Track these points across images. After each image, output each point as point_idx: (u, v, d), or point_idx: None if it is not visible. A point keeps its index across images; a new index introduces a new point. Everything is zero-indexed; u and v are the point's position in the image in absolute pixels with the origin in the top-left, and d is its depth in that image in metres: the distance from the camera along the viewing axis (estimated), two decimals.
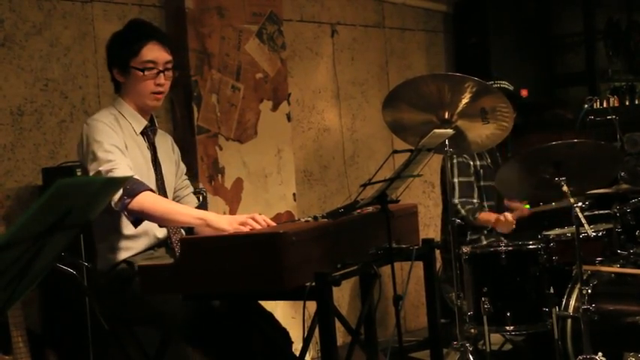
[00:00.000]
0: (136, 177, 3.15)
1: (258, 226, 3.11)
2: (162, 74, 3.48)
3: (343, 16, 6.15)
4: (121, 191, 3.10)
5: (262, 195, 5.31)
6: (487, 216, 4.84)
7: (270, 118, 5.39)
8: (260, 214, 3.28)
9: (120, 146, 3.31)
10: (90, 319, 4.16)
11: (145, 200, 3.20)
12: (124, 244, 3.42)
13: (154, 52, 3.46)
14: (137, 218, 3.27)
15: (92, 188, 2.25)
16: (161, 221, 3.34)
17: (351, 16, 6.20)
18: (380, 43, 6.39)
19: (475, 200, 4.92)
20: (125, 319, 3.46)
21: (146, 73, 3.44)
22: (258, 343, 3.22)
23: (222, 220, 3.16)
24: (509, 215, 4.75)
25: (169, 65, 3.51)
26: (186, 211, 3.32)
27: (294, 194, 5.50)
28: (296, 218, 5.13)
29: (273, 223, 3.25)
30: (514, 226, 4.80)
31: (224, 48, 5.16)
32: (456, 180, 4.86)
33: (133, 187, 3.17)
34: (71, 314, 4.21)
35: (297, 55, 5.78)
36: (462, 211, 4.81)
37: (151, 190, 3.26)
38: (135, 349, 3.57)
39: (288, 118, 5.51)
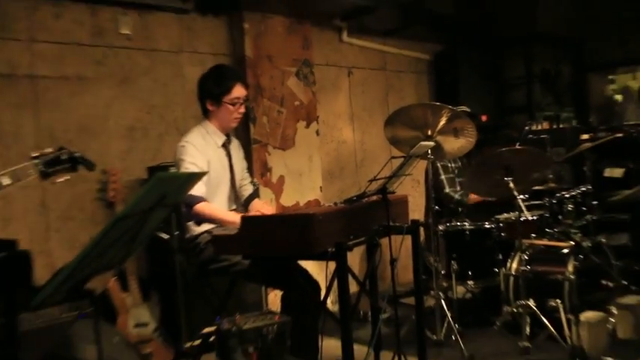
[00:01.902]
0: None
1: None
2: (242, 106, 3.56)
3: (357, 62, 6.16)
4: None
5: (298, 187, 5.33)
6: (474, 196, 4.88)
7: (304, 133, 5.42)
8: (267, 202, 3.39)
9: (197, 163, 3.39)
10: (179, 270, 4.20)
11: (199, 209, 3.32)
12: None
13: (240, 91, 3.53)
14: (199, 219, 3.40)
15: (179, 180, 2.33)
16: (211, 221, 3.41)
17: (362, 62, 6.21)
18: (382, 81, 6.41)
19: (459, 189, 4.97)
20: (203, 271, 3.53)
21: (235, 106, 3.52)
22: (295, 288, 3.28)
23: (237, 215, 3.24)
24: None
25: (246, 99, 3.59)
26: (224, 215, 3.40)
27: (320, 187, 5.52)
28: (322, 204, 5.19)
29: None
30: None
31: (272, 84, 5.19)
32: (443, 177, 4.89)
33: (190, 200, 3.28)
34: (167, 266, 4.25)
35: (323, 88, 5.79)
36: (456, 196, 4.86)
37: (204, 200, 3.35)
38: (209, 292, 3.65)
39: (317, 133, 5.54)
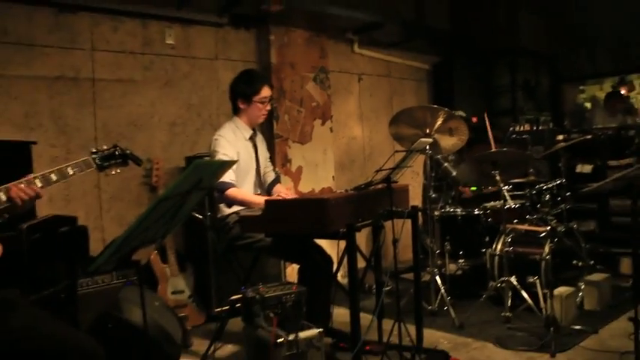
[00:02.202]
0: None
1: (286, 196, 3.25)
2: (268, 104, 3.55)
3: (366, 70, 6.11)
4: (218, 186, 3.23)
5: (313, 177, 5.30)
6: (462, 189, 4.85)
7: (320, 130, 5.38)
8: (285, 189, 3.38)
9: (228, 154, 3.38)
10: (210, 245, 4.22)
11: (230, 194, 3.31)
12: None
13: (267, 91, 3.53)
14: (229, 202, 3.38)
15: (213, 166, 2.32)
16: (241, 204, 3.40)
17: (370, 70, 6.16)
18: (388, 86, 6.36)
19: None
20: (231, 247, 3.52)
21: (263, 104, 3.51)
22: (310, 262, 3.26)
23: (263, 198, 3.21)
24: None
25: (271, 99, 3.58)
26: (252, 198, 3.38)
27: (333, 176, 5.48)
28: (334, 191, 5.16)
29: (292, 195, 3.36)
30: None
31: (293, 87, 5.16)
32: (446, 164, 4.80)
33: (222, 186, 3.29)
34: (200, 242, 4.27)
35: (337, 92, 5.75)
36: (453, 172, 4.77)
37: (234, 186, 3.34)
38: (236, 265, 3.64)
39: (331, 130, 5.50)
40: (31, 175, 1.97)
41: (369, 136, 6.14)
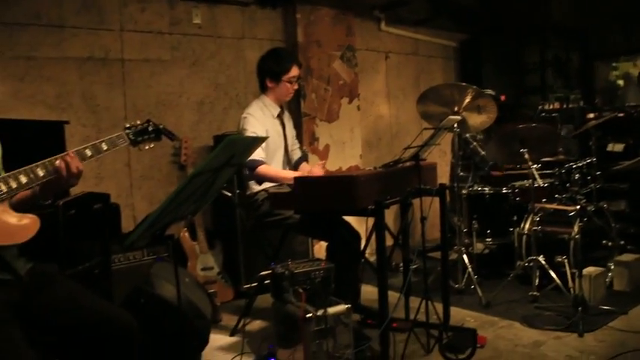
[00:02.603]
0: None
1: (317, 173, 3.28)
2: (296, 83, 3.56)
3: (393, 48, 6.07)
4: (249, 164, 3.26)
5: (341, 155, 5.30)
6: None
7: (347, 108, 5.36)
8: (319, 164, 3.40)
9: (257, 132, 3.41)
10: (239, 223, 4.26)
11: (261, 170, 3.34)
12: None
13: (296, 71, 3.54)
14: (260, 180, 3.40)
15: (245, 142, 2.34)
16: (271, 181, 3.43)
17: (397, 48, 6.12)
18: (415, 64, 6.31)
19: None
20: (259, 224, 3.56)
21: (291, 84, 3.53)
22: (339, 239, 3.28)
23: (294, 174, 3.27)
24: None
25: (299, 78, 3.59)
26: (283, 174, 3.42)
27: (360, 155, 5.48)
28: (362, 168, 5.18)
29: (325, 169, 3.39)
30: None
31: (320, 65, 5.15)
32: (475, 144, 4.75)
33: (252, 164, 3.33)
34: (229, 220, 4.31)
35: (364, 70, 5.72)
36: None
37: (264, 163, 3.37)
38: (265, 241, 3.69)
39: (358, 109, 5.48)
40: (66, 153, 2.00)
41: (395, 115, 6.12)
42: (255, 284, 3.94)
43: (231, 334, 3.59)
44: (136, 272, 3.42)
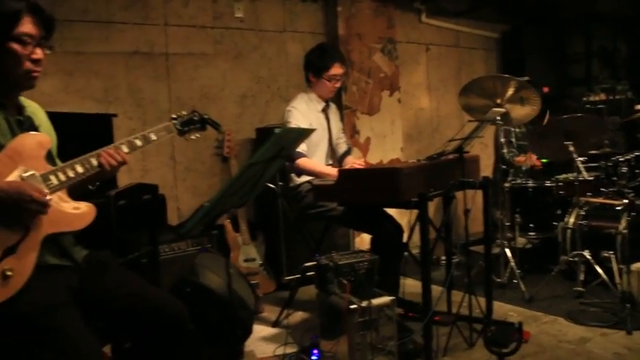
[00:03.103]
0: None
1: (359, 166, 3.27)
2: (338, 82, 3.58)
3: (433, 40, 6.02)
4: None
5: (381, 148, 5.30)
6: (519, 159, 4.76)
7: (388, 101, 5.35)
8: (359, 158, 3.39)
9: (301, 125, 3.42)
10: (282, 214, 4.30)
11: (301, 163, 3.38)
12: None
13: (337, 69, 3.56)
14: (299, 172, 3.44)
15: (295, 133, 2.37)
16: (310, 174, 3.46)
17: (438, 40, 6.06)
18: (456, 56, 6.24)
19: (514, 150, 4.83)
20: (302, 216, 3.59)
21: (331, 82, 3.54)
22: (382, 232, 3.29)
23: (334, 169, 3.29)
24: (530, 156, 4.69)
25: (343, 76, 3.60)
26: (321, 168, 3.44)
27: (401, 148, 5.46)
28: (403, 160, 5.17)
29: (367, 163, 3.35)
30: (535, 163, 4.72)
31: (361, 58, 5.15)
32: (502, 140, 4.76)
33: (292, 156, 3.33)
34: (272, 211, 4.35)
35: (404, 63, 5.69)
36: (507, 157, 4.74)
37: (305, 156, 3.39)
38: (307, 233, 3.72)
39: (399, 101, 5.46)
40: (118, 142, 2.06)
41: (436, 107, 6.08)
42: (297, 276, 3.98)
43: (274, 325, 3.64)
44: (181, 262, 3.49)
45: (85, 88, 4.08)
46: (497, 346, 2.98)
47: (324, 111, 3.66)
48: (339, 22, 5.03)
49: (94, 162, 1.95)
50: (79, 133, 2.29)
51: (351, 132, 5.09)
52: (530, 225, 4.50)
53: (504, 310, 3.73)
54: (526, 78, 4.41)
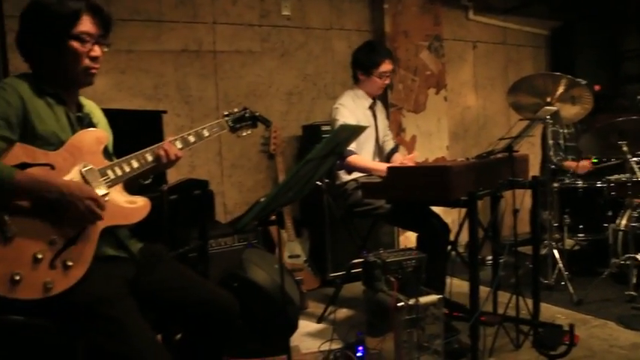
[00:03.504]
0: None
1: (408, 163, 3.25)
2: (387, 78, 3.58)
3: (481, 37, 5.95)
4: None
5: (427, 146, 5.27)
6: (569, 164, 4.67)
7: (434, 99, 5.32)
8: (408, 158, 3.38)
9: (348, 121, 3.44)
10: (327, 211, 4.30)
11: (352, 160, 3.39)
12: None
13: (387, 66, 3.57)
14: (350, 169, 3.44)
15: (348, 131, 2.38)
16: (361, 171, 3.46)
17: (485, 37, 5.99)
18: (503, 54, 6.15)
19: (561, 154, 4.75)
20: (349, 213, 3.60)
21: (381, 79, 3.55)
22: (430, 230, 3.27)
23: (384, 165, 3.25)
24: (584, 163, 4.60)
25: (392, 73, 3.60)
26: (372, 165, 3.44)
27: (447, 146, 5.42)
28: (450, 159, 5.11)
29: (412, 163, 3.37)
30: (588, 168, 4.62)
31: (407, 56, 5.13)
32: (550, 141, 4.69)
33: (344, 154, 3.34)
34: (317, 208, 4.36)
35: (451, 60, 5.65)
36: (554, 160, 4.66)
37: (355, 153, 3.39)
38: (353, 230, 3.72)
39: (445, 99, 5.41)
40: (171, 138, 2.11)
41: (483, 106, 6.00)
42: (341, 273, 4.00)
43: (318, 321, 3.66)
44: (228, 257, 3.55)
45: (135, 85, 4.18)
46: (545, 348, 2.94)
47: (372, 108, 3.67)
48: (386, 19, 5.02)
49: (150, 157, 2.01)
50: (131, 130, 2.35)
51: (397, 130, 5.08)
52: (580, 226, 4.41)
53: (551, 312, 3.67)
54: (584, 82, 4.34)
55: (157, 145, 2.06)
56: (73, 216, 1.76)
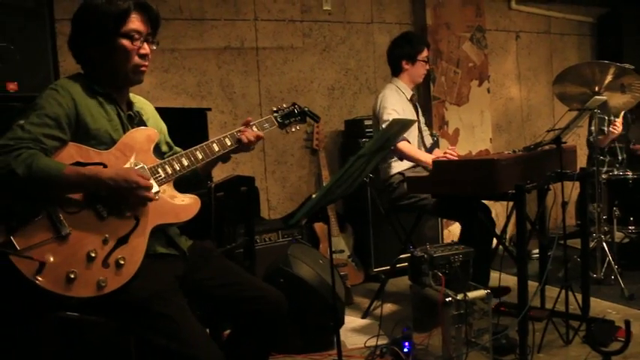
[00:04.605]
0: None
1: (452, 157, 3.16)
2: (427, 64, 3.58)
3: (524, 27, 5.82)
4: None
5: (470, 139, 5.19)
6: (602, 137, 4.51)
7: (476, 91, 5.23)
8: (450, 149, 3.32)
9: (397, 109, 3.43)
10: (371, 206, 4.26)
11: (402, 147, 3.33)
12: (395, 164, 3.53)
13: (427, 52, 3.58)
14: (400, 156, 3.40)
15: (399, 125, 2.35)
16: (410, 159, 3.42)
17: (528, 27, 5.85)
18: (547, 43, 6.00)
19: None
20: (393, 207, 3.57)
21: (425, 62, 3.56)
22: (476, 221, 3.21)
23: (431, 156, 3.26)
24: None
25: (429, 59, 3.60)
26: (419, 154, 3.38)
27: (490, 138, 5.32)
28: (494, 152, 5.03)
29: (458, 153, 3.31)
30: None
31: (449, 48, 5.05)
32: (592, 128, 4.51)
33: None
34: (360, 203, 4.31)
35: (494, 51, 5.54)
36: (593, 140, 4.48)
37: (407, 141, 3.35)
38: (398, 225, 3.69)
39: (488, 91, 5.32)
40: (221, 136, 2.10)
41: (526, 97, 5.87)
42: (386, 268, 3.97)
43: (363, 317, 3.64)
44: (273, 253, 3.56)
45: (179, 83, 4.22)
46: (598, 344, 2.86)
47: (412, 100, 3.65)
48: (427, 11, 4.95)
49: (199, 155, 2.01)
50: (176, 127, 2.36)
51: (440, 123, 5.01)
52: (631, 218, 4.26)
53: (602, 307, 3.57)
54: (632, 68, 4.19)
55: (210, 140, 2.07)
56: (125, 204, 1.78)
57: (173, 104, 4.08)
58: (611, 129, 4.41)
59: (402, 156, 3.41)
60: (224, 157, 2.11)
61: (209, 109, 3.77)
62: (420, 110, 3.71)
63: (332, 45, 4.75)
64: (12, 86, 2.76)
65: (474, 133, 5.22)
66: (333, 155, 4.64)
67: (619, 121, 4.44)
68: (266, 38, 4.49)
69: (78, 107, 1.82)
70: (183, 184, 2.04)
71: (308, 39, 4.65)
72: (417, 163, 3.39)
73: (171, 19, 4.15)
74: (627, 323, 2.63)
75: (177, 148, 2.19)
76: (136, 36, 1.91)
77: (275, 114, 2.26)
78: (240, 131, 2.10)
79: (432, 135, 3.92)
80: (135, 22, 1.91)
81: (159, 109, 2.25)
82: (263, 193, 4.47)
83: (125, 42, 1.89)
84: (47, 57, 2.90)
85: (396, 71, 3.66)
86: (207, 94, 4.32)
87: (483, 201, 3.34)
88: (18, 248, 1.64)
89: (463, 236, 3.26)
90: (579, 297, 3.14)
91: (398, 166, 3.49)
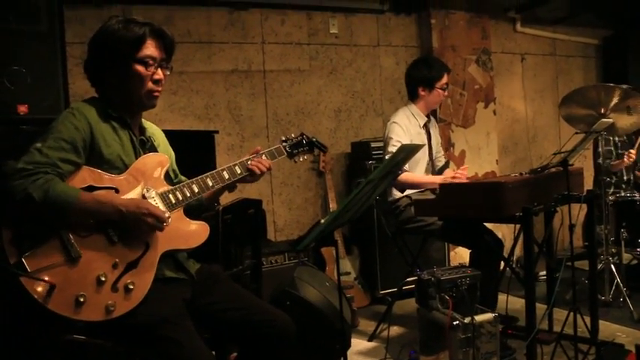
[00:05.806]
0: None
1: (462, 178, 3.17)
2: (446, 90, 3.58)
3: (529, 49, 5.86)
4: None
5: (477, 160, 5.20)
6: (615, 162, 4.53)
7: (482, 113, 5.25)
8: (462, 169, 3.33)
9: (402, 141, 3.41)
10: (377, 229, 4.26)
11: (403, 178, 3.34)
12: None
13: (447, 78, 3.56)
14: (402, 187, 3.43)
15: (407, 150, 2.37)
16: (413, 187, 3.43)
17: (534, 49, 5.89)
18: (552, 65, 6.04)
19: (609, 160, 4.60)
20: (400, 230, 3.57)
21: (443, 90, 3.55)
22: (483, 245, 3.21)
23: (439, 178, 3.26)
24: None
25: (448, 85, 3.61)
26: (424, 179, 3.41)
27: (496, 160, 5.33)
28: (500, 174, 5.04)
29: (467, 174, 3.31)
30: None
31: (455, 70, 5.06)
32: (600, 150, 4.53)
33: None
34: (367, 225, 4.32)
35: (500, 73, 5.57)
36: (603, 164, 4.50)
37: (405, 171, 3.36)
38: (404, 247, 3.69)
39: (494, 113, 5.34)
40: (232, 164, 2.13)
41: (532, 118, 5.89)
42: (392, 290, 3.96)
43: (370, 339, 3.63)
44: (279, 275, 3.56)
45: (187, 106, 4.26)
46: None
47: (426, 126, 3.64)
48: (433, 34, 5.01)
49: (210, 182, 2.03)
50: (184, 150, 2.39)
51: (446, 145, 5.03)
52: (638, 240, 4.25)
53: (611, 330, 3.54)
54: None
55: (233, 163, 2.11)
56: (137, 231, 1.81)
57: (181, 126, 4.12)
58: (625, 159, 4.43)
59: (404, 186, 3.41)
60: (230, 187, 2.13)
61: (216, 132, 3.80)
62: (432, 136, 3.70)
63: (338, 68, 4.80)
64: (22, 109, 2.79)
65: (480, 155, 5.23)
66: (339, 177, 4.66)
67: (634, 152, 4.46)
68: (273, 61, 4.54)
69: (93, 131, 1.86)
70: (191, 210, 2.06)
71: (315, 62, 4.70)
72: (424, 187, 3.39)
73: (180, 42, 4.17)
74: (638, 348, 2.61)
75: (182, 177, 2.21)
76: (150, 62, 1.94)
77: (284, 143, 2.28)
78: (249, 160, 2.12)
79: (443, 157, 3.91)
80: (150, 48, 1.94)
81: (167, 132, 2.27)
82: (269, 215, 4.49)
83: (139, 67, 1.93)
84: (57, 80, 2.92)
85: (413, 96, 3.65)
86: (215, 116, 4.36)
87: (487, 224, 3.34)
88: (29, 270, 1.66)
89: (473, 262, 3.24)
90: (588, 320, 3.12)
91: (405, 189, 3.49)
